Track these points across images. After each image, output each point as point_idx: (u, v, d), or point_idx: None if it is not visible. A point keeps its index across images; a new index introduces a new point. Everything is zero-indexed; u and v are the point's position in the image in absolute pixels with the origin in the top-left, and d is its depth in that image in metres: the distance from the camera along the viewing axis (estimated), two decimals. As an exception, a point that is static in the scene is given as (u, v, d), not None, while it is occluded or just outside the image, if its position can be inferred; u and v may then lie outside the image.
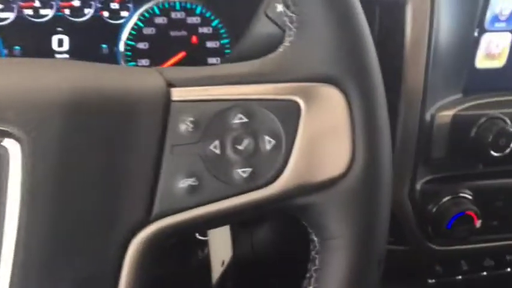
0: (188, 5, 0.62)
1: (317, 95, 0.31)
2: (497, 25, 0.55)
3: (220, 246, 0.55)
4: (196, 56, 0.63)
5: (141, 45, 0.62)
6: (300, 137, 0.30)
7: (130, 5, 0.62)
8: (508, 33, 0.56)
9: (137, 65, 0.64)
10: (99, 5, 0.61)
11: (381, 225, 0.31)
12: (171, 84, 0.31)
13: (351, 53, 0.31)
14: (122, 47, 0.62)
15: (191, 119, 0.30)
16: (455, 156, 0.56)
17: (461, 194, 0.58)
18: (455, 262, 0.65)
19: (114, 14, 0.62)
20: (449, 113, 0.54)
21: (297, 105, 0.31)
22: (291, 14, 0.31)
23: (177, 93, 0.30)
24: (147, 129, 0.29)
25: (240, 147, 0.30)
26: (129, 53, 0.63)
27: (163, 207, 0.29)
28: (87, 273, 0.28)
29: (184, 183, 0.29)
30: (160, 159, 0.29)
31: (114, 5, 0.62)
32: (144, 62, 0.63)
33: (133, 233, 0.29)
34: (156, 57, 0.63)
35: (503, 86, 0.57)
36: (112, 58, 0.62)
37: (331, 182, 0.30)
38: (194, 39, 0.63)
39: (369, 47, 0.31)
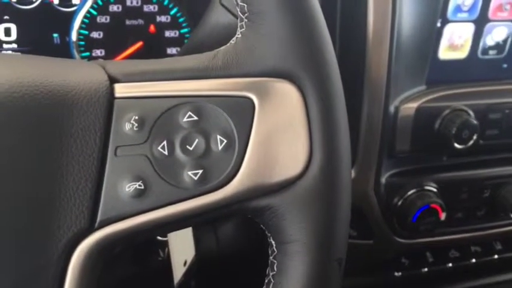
0: (144, -8, 0.60)
1: (271, 90, 0.29)
2: (460, 15, 0.55)
3: (181, 246, 0.53)
4: (155, 46, 0.61)
5: (95, 35, 0.60)
6: (254, 136, 0.29)
7: (82, -8, 0.59)
8: (471, 24, 0.56)
9: (91, 56, 0.60)
10: (49, -8, 0.58)
11: (340, 226, 0.30)
12: (114, 80, 0.29)
13: (306, 45, 0.29)
14: (74, 36, 0.59)
15: (136, 117, 0.28)
16: (419, 148, 0.56)
17: (426, 187, 0.58)
18: (421, 254, 0.65)
19: (65, 1, 0.59)
20: (413, 105, 0.54)
21: (250, 102, 0.29)
22: (241, 4, 0.29)
23: (121, 89, 0.28)
24: (87, 129, 0.27)
25: (189, 148, 0.28)
26: (82, 43, 0.60)
27: (108, 213, 0.27)
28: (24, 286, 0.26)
29: (130, 187, 0.27)
30: (103, 162, 0.27)
31: (65, -8, 0.59)
32: (99, 52, 0.61)
33: (76, 242, 0.27)
34: (112, 47, 0.60)
35: (466, 77, 0.58)
36: (64, 48, 0.60)
37: (288, 183, 0.29)
38: (152, 28, 0.61)
39: (325, 40, 0.29)
